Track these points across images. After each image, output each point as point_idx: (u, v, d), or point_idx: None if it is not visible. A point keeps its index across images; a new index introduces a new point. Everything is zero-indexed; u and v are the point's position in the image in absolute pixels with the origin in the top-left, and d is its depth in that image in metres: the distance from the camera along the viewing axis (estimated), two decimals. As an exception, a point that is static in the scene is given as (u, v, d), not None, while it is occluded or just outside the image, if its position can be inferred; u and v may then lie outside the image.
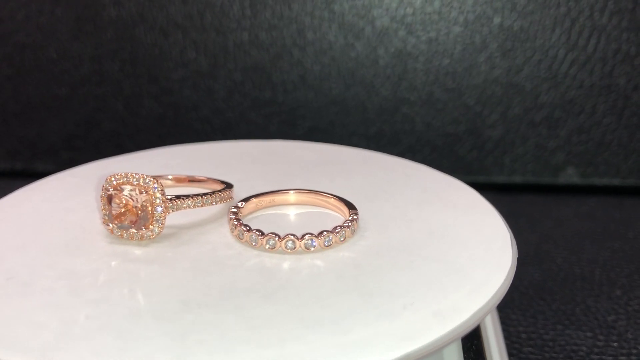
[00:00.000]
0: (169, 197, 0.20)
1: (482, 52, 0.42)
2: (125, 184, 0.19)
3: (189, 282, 0.17)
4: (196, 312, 0.16)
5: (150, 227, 0.19)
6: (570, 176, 0.43)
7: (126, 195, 0.19)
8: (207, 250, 0.19)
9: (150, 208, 0.19)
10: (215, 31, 0.43)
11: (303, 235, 0.19)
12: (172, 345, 0.15)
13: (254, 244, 0.19)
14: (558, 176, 0.44)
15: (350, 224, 0.19)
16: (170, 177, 0.25)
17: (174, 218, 0.21)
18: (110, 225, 0.20)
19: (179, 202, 0.20)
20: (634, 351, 0.26)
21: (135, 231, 0.19)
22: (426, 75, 0.42)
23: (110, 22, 0.44)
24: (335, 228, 0.19)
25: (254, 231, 0.19)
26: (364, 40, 0.42)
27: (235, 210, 0.21)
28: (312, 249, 0.19)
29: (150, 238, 0.19)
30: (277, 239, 0.19)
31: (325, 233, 0.19)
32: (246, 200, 0.21)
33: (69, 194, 0.24)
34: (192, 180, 0.25)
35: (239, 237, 0.19)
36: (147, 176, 0.19)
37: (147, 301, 0.17)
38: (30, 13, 0.44)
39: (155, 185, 0.19)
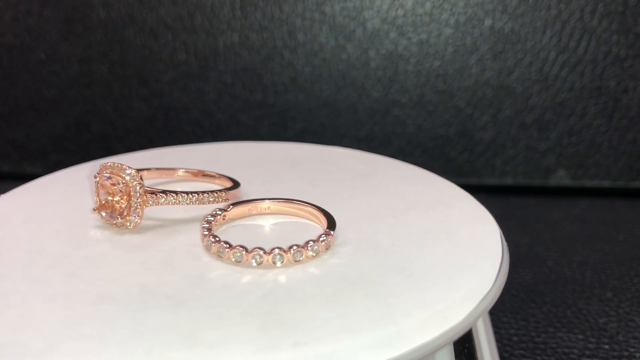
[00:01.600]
0: (157, 190, 0.20)
1: (473, 54, 0.42)
2: (113, 174, 0.20)
3: (122, 276, 0.18)
4: (100, 308, 0.16)
5: (128, 218, 0.20)
6: (560, 178, 0.44)
7: (111, 185, 0.20)
8: (168, 248, 0.19)
9: (128, 200, 0.20)
10: (205, 32, 0.43)
11: (253, 249, 0.18)
12: (49, 336, 0.15)
13: (209, 250, 0.19)
14: (549, 178, 0.44)
15: (313, 244, 0.18)
16: (181, 170, 0.25)
17: (176, 211, 0.22)
18: (97, 211, 0.20)
19: (161, 197, 0.20)
20: (625, 353, 0.26)
21: (115, 220, 0.20)
22: (417, 77, 0.42)
23: (99, 24, 0.43)
24: (292, 247, 0.18)
25: (210, 237, 0.18)
26: (355, 42, 0.42)
27: (219, 212, 0.20)
28: (255, 264, 0.18)
29: (128, 228, 0.20)
30: (227, 248, 0.18)
31: (277, 250, 0.18)
32: (235, 204, 0.21)
33: (76, 187, 0.25)
34: (203, 175, 0.25)
35: (201, 241, 0.19)
36: (130, 168, 0.20)
37: (72, 288, 0.17)
38: (18, 14, 0.43)
39: (135, 178, 0.20)
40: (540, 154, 0.43)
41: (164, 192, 0.20)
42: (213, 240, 0.18)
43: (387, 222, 0.21)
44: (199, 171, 0.25)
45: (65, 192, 0.24)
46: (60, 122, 0.46)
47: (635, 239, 0.37)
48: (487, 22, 0.41)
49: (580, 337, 0.27)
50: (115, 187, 0.20)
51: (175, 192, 0.20)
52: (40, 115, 0.46)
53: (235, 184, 0.23)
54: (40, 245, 0.20)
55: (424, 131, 0.43)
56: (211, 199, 0.21)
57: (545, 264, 0.34)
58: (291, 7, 0.42)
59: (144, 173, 0.24)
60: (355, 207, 0.22)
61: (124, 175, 0.20)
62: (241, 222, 0.21)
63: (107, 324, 0.15)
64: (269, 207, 0.22)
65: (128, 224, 0.20)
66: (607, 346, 0.27)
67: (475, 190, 0.24)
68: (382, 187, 0.25)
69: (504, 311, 0.29)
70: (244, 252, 0.18)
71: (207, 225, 0.19)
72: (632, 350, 0.26)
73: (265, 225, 0.21)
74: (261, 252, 0.18)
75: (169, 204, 0.20)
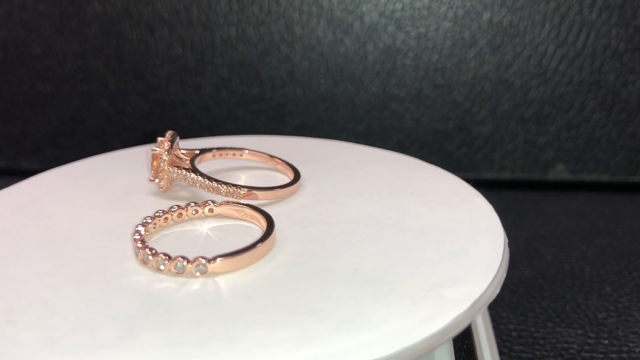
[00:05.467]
0: (184, 167, 0.22)
1: (472, 48, 0.42)
2: (161, 143, 0.22)
3: (47, 218, 0.21)
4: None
5: (156, 181, 0.22)
6: (559, 172, 0.43)
7: (156, 154, 0.22)
8: (125, 226, 0.21)
9: (157, 167, 0.22)
10: (202, 26, 0.42)
11: (175, 257, 0.17)
12: None
13: (137, 256, 0.18)
14: (547, 172, 0.44)
15: (240, 254, 0.17)
16: (247, 151, 0.25)
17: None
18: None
19: (180, 174, 0.21)
20: (625, 348, 0.26)
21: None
22: (415, 71, 0.42)
23: (95, 18, 0.43)
24: (216, 257, 0.17)
25: (138, 243, 0.18)
26: (352, 36, 0.42)
27: (160, 214, 0.20)
28: (175, 273, 0.17)
29: (159, 191, 0.22)
30: (150, 255, 0.17)
31: (203, 260, 0.17)
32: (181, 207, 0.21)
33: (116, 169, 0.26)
34: (268, 159, 0.25)
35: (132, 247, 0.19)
36: (167, 141, 0.22)
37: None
38: (12, 8, 0.43)
39: (164, 150, 0.21)
40: (538, 148, 0.43)
41: (188, 170, 0.21)
42: (140, 246, 0.18)
43: (379, 213, 0.21)
44: (265, 155, 0.25)
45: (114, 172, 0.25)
46: (56, 117, 0.45)
47: (634, 234, 0.37)
48: (486, 15, 0.41)
49: (580, 332, 0.27)
50: (157, 156, 0.22)
51: (197, 173, 0.21)
52: (36, 111, 0.45)
53: (296, 178, 0.23)
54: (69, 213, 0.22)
55: (422, 125, 0.43)
56: (222, 191, 0.21)
57: (544, 259, 0.34)
58: (288, 1, 0.42)
59: (212, 153, 0.24)
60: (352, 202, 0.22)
61: (159, 147, 0.22)
62: (181, 226, 0.21)
63: None
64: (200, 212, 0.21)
65: (157, 186, 0.22)
66: (606, 341, 0.27)
67: (473, 184, 0.24)
68: (384, 181, 0.24)
69: (503, 306, 0.29)
70: (166, 261, 0.17)
71: (142, 230, 0.19)
72: (631, 345, 0.26)
73: (204, 229, 0.20)
74: (184, 262, 0.17)
75: (187, 182, 0.21)
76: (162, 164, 0.21)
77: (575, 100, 0.42)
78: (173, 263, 0.17)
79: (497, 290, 0.17)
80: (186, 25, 0.42)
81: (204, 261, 0.17)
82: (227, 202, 0.21)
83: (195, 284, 0.17)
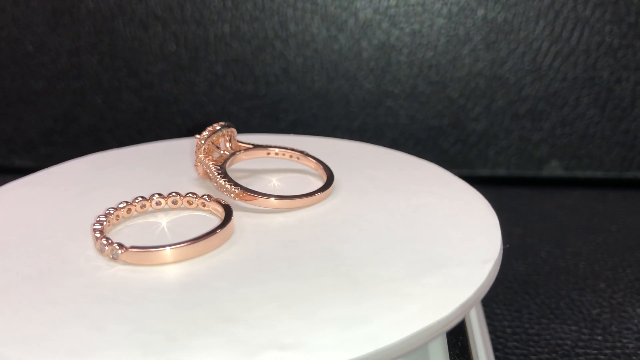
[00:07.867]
0: (213, 161, 0.22)
1: (466, 45, 0.41)
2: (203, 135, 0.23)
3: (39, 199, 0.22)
4: None
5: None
6: (554, 169, 0.43)
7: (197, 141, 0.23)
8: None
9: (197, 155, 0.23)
10: (195, 23, 0.42)
11: (101, 237, 0.18)
12: None
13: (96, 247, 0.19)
14: (542, 169, 0.44)
15: (169, 248, 0.18)
16: (277, 150, 0.24)
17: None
18: None
19: (207, 165, 0.22)
20: (618, 344, 0.26)
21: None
22: (410, 67, 0.42)
23: (88, 14, 0.43)
24: (132, 247, 0.17)
25: (106, 213, 0.19)
26: (347, 33, 0.42)
27: (112, 211, 0.20)
28: (100, 252, 0.18)
29: (198, 176, 0.24)
30: (93, 230, 0.18)
31: (117, 246, 0.18)
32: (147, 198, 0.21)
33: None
34: (318, 167, 0.24)
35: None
36: (209, 131, 0.23)
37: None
38: (5, 5, 0.43)
39: (202, 140, 0.22)
40: (533, 145, 0.43)
41: (214, 163, 0.22)
42: (99, 220, 0.19)
43: (354, 253, 0.19)
44: (299, 153, 0.24)
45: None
46: (49, 115, 0.45)
47: (629, 230, 0.37)
48: (480, 12, 0.41)
49: (574, 328, 0.27)
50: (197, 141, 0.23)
51: (219, 172, 0.21)
52: (29, 108, 0.45)
53: (328, 181, 0.22)
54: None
55: (416, 122, 0.43)
56: (225, 190, 0.21)
57: (538, 255, 0.34)
58: (282, -3, 0.42)
59: (266, 150, 0.24)
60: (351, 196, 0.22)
61: (198, 136, 0.23)
62: (143, 217, 0.21)
63: None
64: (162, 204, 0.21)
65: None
66: (600, 337, 0.27)
67: (468, 181, 0.24)
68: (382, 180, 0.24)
69: (497, 302, 0.29)
70: (96, 238, 0.18)
71: (122, 206, 0.20)
72: (625, 341, 0.26)
73: (162, 222, 0.20)
74: (106, 244, 0.18)
75: (210, 176, 0.22)
76: (197, 155, 0.23)
77: (569, 96, 0.42)
78: (99, 242, 0.18)
79: (489, 285, 0.17)
80: (180, 22, 0.42)
81: (119, 251, 0.18)
82: (218, 200, 0.21)
83: (95, 263, 0.18)
